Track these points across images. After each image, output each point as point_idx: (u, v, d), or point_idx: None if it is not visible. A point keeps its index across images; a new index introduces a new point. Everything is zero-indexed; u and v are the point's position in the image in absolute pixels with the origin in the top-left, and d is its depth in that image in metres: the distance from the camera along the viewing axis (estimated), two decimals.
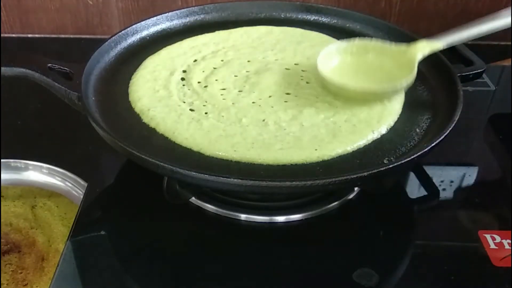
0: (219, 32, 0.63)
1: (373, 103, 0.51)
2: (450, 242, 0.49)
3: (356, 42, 0.55)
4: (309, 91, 0.53)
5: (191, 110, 0.51)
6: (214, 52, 0.59)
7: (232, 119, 0.49)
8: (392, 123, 0.49)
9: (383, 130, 0.48)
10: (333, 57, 0.54)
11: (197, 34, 0.63)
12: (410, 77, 0.51)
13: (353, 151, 0.46)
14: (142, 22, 0.62)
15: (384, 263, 0.46)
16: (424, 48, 0.53)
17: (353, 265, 0.45)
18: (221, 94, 0.52)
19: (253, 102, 0.51)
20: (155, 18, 0.63)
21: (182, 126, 0.48)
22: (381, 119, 0.49)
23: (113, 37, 0.59)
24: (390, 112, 0.50)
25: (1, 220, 0.55)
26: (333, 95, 0.52)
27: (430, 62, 0.56)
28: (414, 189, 0.56)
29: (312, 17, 0.66)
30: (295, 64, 0.58)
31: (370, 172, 0.41)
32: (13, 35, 0.88)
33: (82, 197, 0.53)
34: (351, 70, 0.54)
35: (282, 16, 0.67)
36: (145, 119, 0.49)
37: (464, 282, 0.45)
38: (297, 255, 0.47)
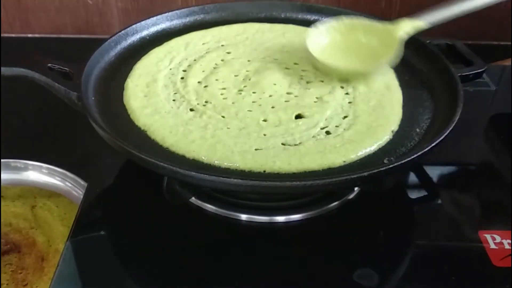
0: (219, 28, 0.63)
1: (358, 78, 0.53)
2: (450, 242, 0.49)
3: (345, 21, 0.57)
4: (310, 91, 0.53)
5: (191, 110, 0.51)
6: (214, 51, 0.59)
7: (232, 118, 0.49)
8: (395, 128, 0.49)
9: (385, 138, 0.48)
10: (323, 37, 0.56)
11: None
12: (393, 55, 0.53)
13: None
14: (142, 22, 0.62)
15: (384, 263, 0.46)
16: (407, 26, 0.54)
17: (353, 265, 0.45)
18: (221, 94, 0.52)
19: (253, 102, 0.51)
20: (155, 18, 0.63)
21: (181, 127, 0.48)
22: (384, 126, 0.49)
23: (113, 37, 0.59)
24: (393, 119, 0.50)
25: (1, 220, 0.55)
26: (324, 74, 0.54)
27: (430, 62, 0.57)
28: (414, 189, 0.56)
29: (312, 17, 0.66)
30: (295, 63, 0.58)
31: (370, 172, 0.41)
32: (13, 35, 0.88)
33: (82, 197, 0.53)
34: (340, 49, 0.55)
35: (282, 16, 0.67)
36: (142, 121, 0.49)
37: (464, 282, 0.45)
38: (297, 255, 0.47)
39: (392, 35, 0.54)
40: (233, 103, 0.51)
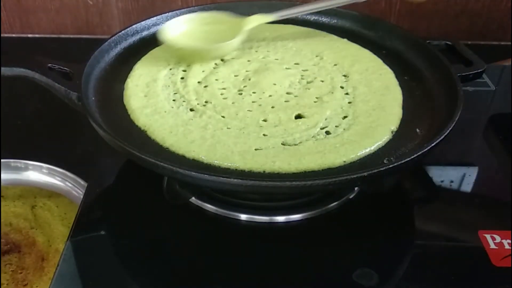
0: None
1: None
2: (450, 242, 0.49)
3: (202, 14, 0.62)
4: (310, 91, 0.53)
5: (191, 110, 0.51)
6: None
7: (232, 118, 0.49)
8: (394, 128, 0.49)
9: (385, 138, 0.48)
10: (181, 26, 0.60)
11: None
12: (236, 40, 0.58)
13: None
14: (142, 22, 0.62)
15: (384, 263, 0.46)
16: (254, 19, 0.59)
17: (353, 265, 0.45)
18: (221, 94, 0.52)
19: (253, 102, 0.51)
20: (155, 18, 0.63)
21: (181, 127, 0.48)
22: (383, 126, 0.49)
23: (113, 37, 0.59)
24: (393, 119, 0.50)
25: (1, 220, 0.55)
26: (180, 58, 0.58)
27: (430, 62, 0.57)
28: (414, 189, 0.56)
29: (312, 17, 0.66)
30: (295, 63, 0.58)
31: (370, 172, 0.41)
32: (13, 35, 0.88)
33: (82, 197, 0.53)
34: (195, 36, 0.60)
35: None
36: (142, 121, 0.49)
37: (464, 282, 0.45)
38: (297, 255, 0.47)
39: (239, 25, 0.59)
40: (233, 103, 0.51)
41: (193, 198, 0.50)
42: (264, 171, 0.44)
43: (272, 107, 0.51)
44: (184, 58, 0.58)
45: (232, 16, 0.61)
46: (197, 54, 0.58)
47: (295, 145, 0.46)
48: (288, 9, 0.60)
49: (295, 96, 0.52)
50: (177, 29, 0.59)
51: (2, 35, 0.87)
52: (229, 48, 0.58)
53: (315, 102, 0.52)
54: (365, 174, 0.41)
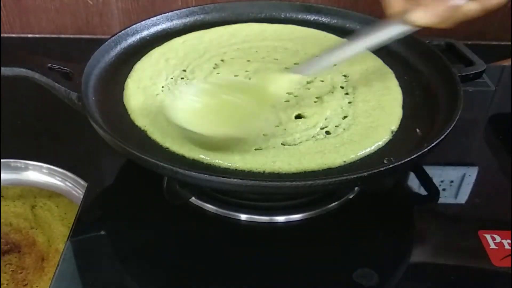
0: (219, 28, 0.63)
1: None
2: (450, 242, 0.49)
3: (214, 82, 0.51)
4: (310, 91, 0.53)
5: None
6: (214, 51, 0.59)
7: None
8: (394, 128, 0.49)
9: (385, 138, 0.48)
10: (193, 101, 0.46)
11: None
12: (271, 115, 0.46)
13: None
14: (142, 22, 0.62)
15: (384, 263, 0.46)
16: (284, 84, 0.48)
17: (353, 265, 0.45)
18: None
19: None
20: (155, 18, 0.63)
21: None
22: (383, 126, 0.49)
23: (113, 37, 0.59)
24: (393, 119, 0.50)
25: (1, 220, 0.55)
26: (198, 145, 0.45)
27: (430, 62, 0.57)
28: (414, 189, 0.56)
29: (312, 17, 0.66)
30: (295, 64, 0.58)
31: (370, 172, 0.41)
32: (13, 35, 0.88)
33: (82, 197, 0.53)
34: (212, 113, 0.46)
35: (282, 16, 0.67)
36: (142, 121, 0.49)
37: (464, 282, 0.45)
38: (297, 255, 0.47)
39: (267, 94, 0.48)
40: None
41: (193, 198, 0.50)
42: (264, 171, 0.44)
43: (273, 107, 0.51)
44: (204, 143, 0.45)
45: (243, 80, 0.51)
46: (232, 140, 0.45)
47: (295, 145, 0.46)
48: (319, 60, 0.50)
49: (295, 96, 0.52)
50: (189, 107, 0.46)
51: (2, 35, 0.87)
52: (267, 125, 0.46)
53: (315, 102, 0.52)
54: (365, 174, 0.41)
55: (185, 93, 0.48)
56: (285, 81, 0.49)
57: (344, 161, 0.45)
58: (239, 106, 0.46)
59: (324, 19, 0.66)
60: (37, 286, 0.50)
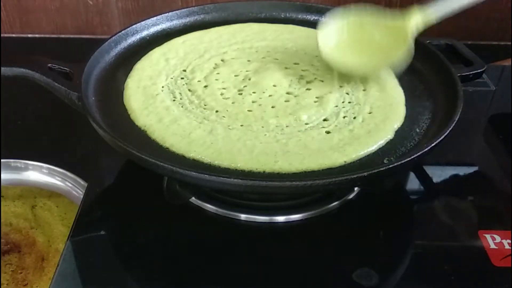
0: (219, 28, 0.63)
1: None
2: (450, 242, 0.49)
3: (353, 19, 0.56)
4: (310, 91, 0.53)
5: (191, 110, 0.50)
6: (214, 51, 0.59)
7: (232, 118, 0.49)
8: (395, 128, 0.49)
9: (385, 138, 0.48)
10: (332, 35, 0.56)
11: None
12: (404, 51, 0.53)
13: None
14: (142, 22, 0.62)
15: (384, 263, 0.46)
16: (417, 22, 0.53)
17: (353, 265, 0.45)
18: (221, 94, 0.52)
19: (253, 102, 0.51)
20: (155, 18, 0.63)
21: (181, 127, 0.48)
22: (383, 126, 0.49)
23: (113, 37, 0.59)
24: (393, 119, 0.50)
25: (1, 220, 0.55)
26: (338, 73, 0.54)
27: (430, 62, 0.57)
28: (414, 189, 0.56)
29: (312, 17, 0.66)
30: (295, 63, 0.58)
31: (370, 172, 0.41)
32: (13, 35, 0.88)
33: (82, 197, 0.53)
34: (350, 47, 0.55)
35: (282, 16, 0.67)
36: (141, 121, 0.49)
37: (464, 282, 0.45)
38: (297, 255, 0.47)
39: (401, 31, 0.54)
40: (233, 103, 0.51)
41: (193, 198, 0.50)
42: (264, 171, 0.44)
43: (272, 107, 0.51)
44: (345, 72, 0.54)
45: (382, 16, 0.55)
46: (372, 71, 0.55)
47: (295, 145, 0.46)
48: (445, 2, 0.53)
49: (295, 96, 0.52)
50: (330, 40, 0.55)
51: (2, 35, 0.87)
52: (400, 60, 0.53)
53: (315, 102, 0.52)
54: (365, 174, 0.41)
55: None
56: (418, 20, 0.53)
57: (344, 161, 0.45)
58: (373, 39, 0.55)
59: (324, 19, 0.66)
60: (37, 286, 0.50)
